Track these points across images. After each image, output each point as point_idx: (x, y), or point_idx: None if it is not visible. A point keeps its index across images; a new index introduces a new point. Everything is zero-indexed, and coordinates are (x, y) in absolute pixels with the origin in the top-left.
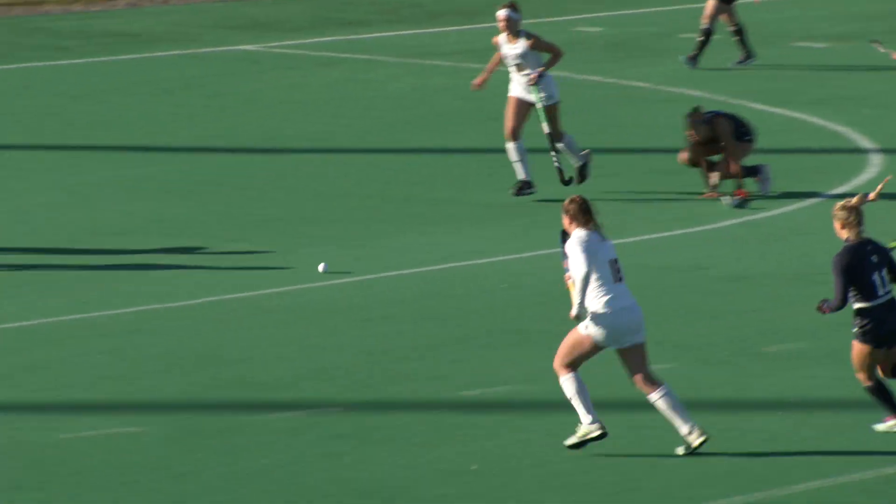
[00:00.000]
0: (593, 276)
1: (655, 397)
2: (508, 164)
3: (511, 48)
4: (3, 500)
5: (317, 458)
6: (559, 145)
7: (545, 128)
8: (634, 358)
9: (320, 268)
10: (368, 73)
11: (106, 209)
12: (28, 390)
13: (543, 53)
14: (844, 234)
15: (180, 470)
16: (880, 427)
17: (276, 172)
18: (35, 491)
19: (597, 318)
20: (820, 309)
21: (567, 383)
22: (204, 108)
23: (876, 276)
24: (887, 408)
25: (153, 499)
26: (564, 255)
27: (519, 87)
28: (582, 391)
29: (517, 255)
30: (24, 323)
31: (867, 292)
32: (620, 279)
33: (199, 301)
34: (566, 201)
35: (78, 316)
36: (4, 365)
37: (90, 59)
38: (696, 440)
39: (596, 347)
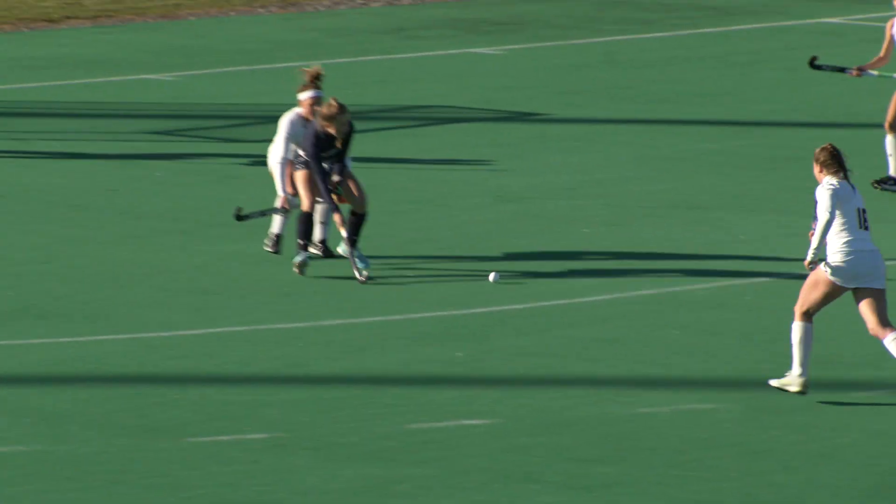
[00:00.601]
0: (839, 221)
1: (888, 341)
2: None
3: None
4: (576, 473)
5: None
6: (890, 135)
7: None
8: (870, 301)
9: (491, 277)
10: None
11: (685, 183)
12: (606, 364)
13: None
14: None
15: (755, 448)
16: None
17: (856, 147)
18: (609, 465)
19: (836, 258)
20: None
21: (797, 329)
22: (784, 82)
23: None
24: None
25: (723, 476)
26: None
27: None
28: (806, 343)
29: None
30: (599, 297)
31: None
32: (866, 228)
33: (778, 278)
34: (817, 150)
35: (654, 291)
36: (580, 338)
37: (673, 33)
38: None
39: (833, 287)
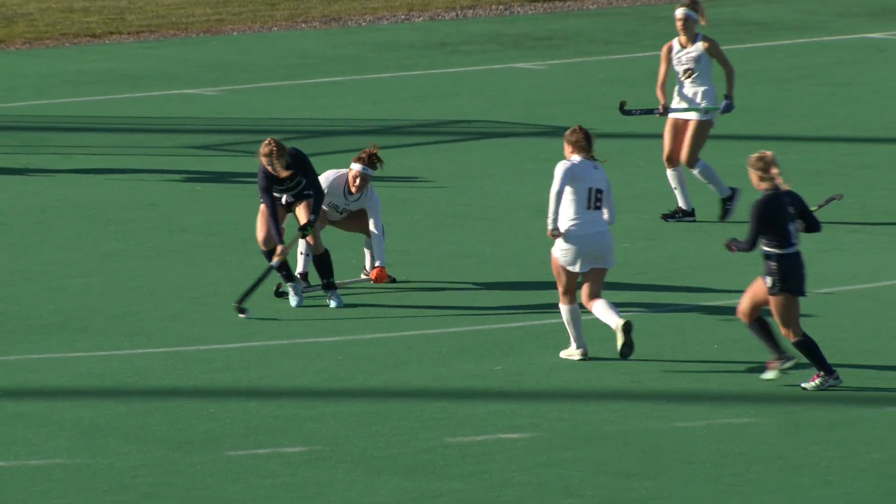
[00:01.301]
0: (569, 198)
1: (597, 306)
2: None
3: (685, 52)
4: (615, 487)
5: None
6: (694, 171)
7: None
8: (594, 279)
9: (242, 316)
10: None
11: (718, 197)
12: (644, 378)
13: (714, 62)
14: (763, 186)
15: (793, 462)
16: (808, 385)
17: None
18: (647, 479)
19: (563, 241)
20: (728, 247)
21: (562, 311)
22: (828, 97)
23: (791, 226)
24: (819, 364)
25: (761, 490)
26: None
27: (684, 99)
28: (575, 320)
29: None
30: (637, 312)
31: (783, 240)
32: (598, 207)
33: (817, 292)
34: (568, 132)
35: (692, 305)
36: (618, 352)
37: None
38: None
39: (566, 270)
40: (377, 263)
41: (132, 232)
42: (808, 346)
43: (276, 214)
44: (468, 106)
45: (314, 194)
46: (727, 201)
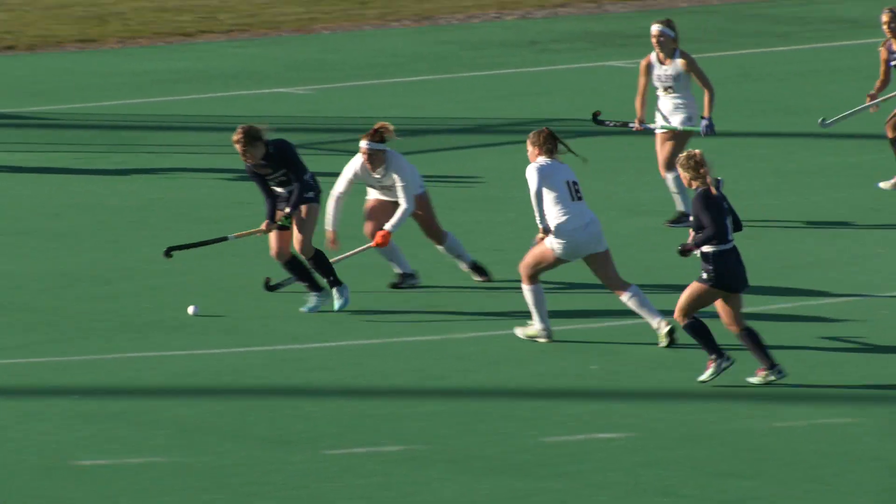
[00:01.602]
0: (552, 196)
1: (625, 298)
2: None
3: (663, 69)
4: (713, 487)
5: None
6: (668, 176)
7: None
8: (600, 264)
9: (190, 310)
10: None
11: (821, 196)
12: (739, 378)
13: (693, 80)
14: (695, 185)
15: (894, 462)
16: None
17: None
18: (747, 479)
19: (558, 237)
20: (685, 251)
21: (528, 293)
22: None
23: (728, 221)
24: (710, 348)
25: (860, 491)
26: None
27: (662, 114)
28: (540, 302)
29: None
30: None
31: (721, 235)
32: (579, 198)
33: None
34: (532, 134)
35: (788, 304)
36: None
37: (809, 46)
38: (663, 329)
39: (558, 260)
40: (387, 227)
41: (226, 230)
42: (695, 329)
43: (272, 197)
44: (559, 104)
45: (297, 187)
46: (683, 217)
